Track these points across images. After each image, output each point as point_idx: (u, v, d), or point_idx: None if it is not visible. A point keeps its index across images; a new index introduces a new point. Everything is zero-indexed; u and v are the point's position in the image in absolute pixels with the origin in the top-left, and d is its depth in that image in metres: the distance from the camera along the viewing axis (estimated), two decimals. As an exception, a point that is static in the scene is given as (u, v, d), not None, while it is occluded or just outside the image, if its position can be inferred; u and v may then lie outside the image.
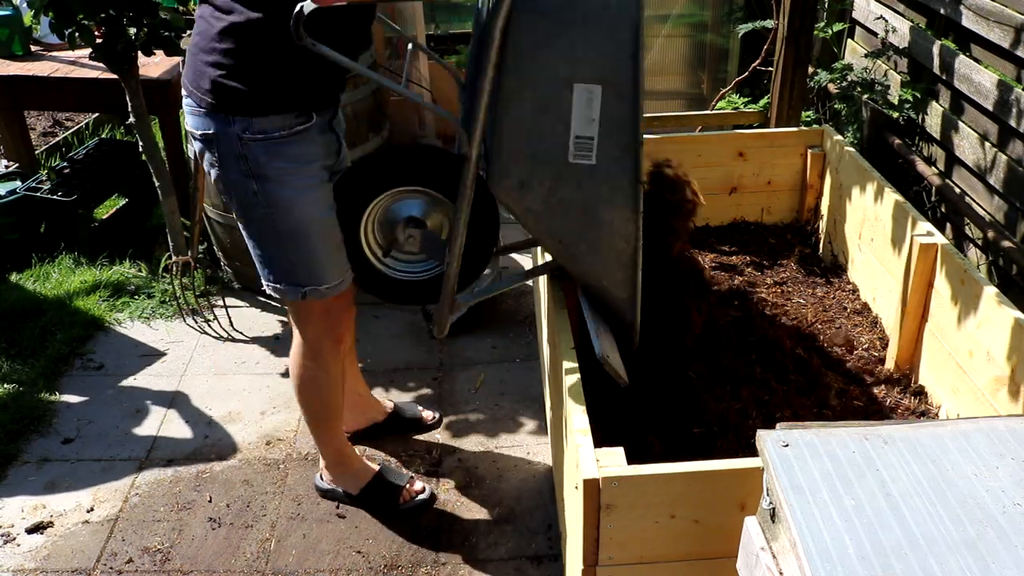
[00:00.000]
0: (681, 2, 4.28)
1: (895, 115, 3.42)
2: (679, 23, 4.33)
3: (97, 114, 4.71)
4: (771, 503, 1.18)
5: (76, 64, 3.74)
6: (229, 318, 3.18)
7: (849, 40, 3.96)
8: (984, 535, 1.06)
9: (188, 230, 3.24)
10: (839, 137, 2.80)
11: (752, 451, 1.30)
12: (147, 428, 2.71)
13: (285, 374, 2.93)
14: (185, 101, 1.85)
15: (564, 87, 1.68)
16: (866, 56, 3.62)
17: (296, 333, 2.10)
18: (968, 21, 3.05)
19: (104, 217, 3.77)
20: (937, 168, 3.30)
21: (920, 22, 3.44)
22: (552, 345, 2.06)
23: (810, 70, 3.58)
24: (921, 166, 3.26)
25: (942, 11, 3.22)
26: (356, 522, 2.34)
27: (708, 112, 3.83)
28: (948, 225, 3.24)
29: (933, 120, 3.29)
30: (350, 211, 1.94)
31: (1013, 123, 2.80)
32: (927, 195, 3.32)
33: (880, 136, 3.51)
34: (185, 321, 3.19)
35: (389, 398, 2.70)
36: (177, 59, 3.45)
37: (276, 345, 3.08)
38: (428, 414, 2.66)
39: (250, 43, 1.72)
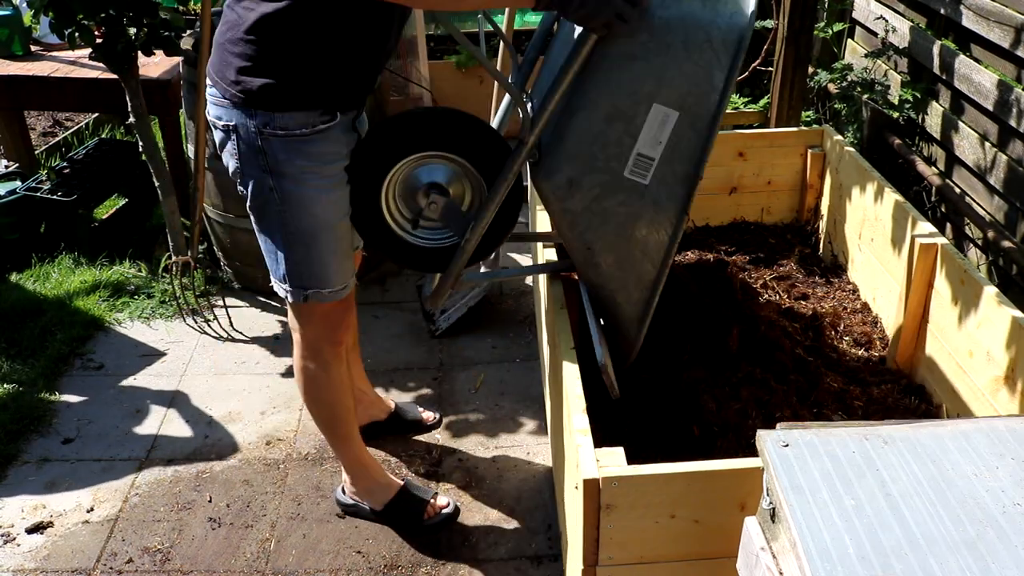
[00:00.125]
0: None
1: (895, 115, 3.42)
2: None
3: (97, 114, 4.71)
4: (771, 503, 1.18)
5: (76, 64, 3.74)
6: (229, 318, 3.18)
7: (849, 40, 3.96)
8: (984, 535, 1.06)
9: (188, 230, 3.24)
10: (839, 137, 2.80)
11: (752, 451, 1.30)
12: (147, 428, 2.71)
13: (285, 374, 2.93)
14: (209, 91, 1.82)
15: (643, 102, 1.68)
16: (866, 56, 3.62)
17: (295, 334, 2.09)
18: (968, 21, 3.05)
19: (104, 217, 3.77)
20: (937, 168, 3.30)
21: (920, 22, 3.44)
22: (552, 345, 2.06)
23: (810, 70, 3.58)
24: (921, 166, 3.26)
25: (942, 11, 3.22)
26: (356, 522, 2.34)
27: (708, 112, 3.83)
28: (948, 225, 3.24)
29: (933, 120, 3.29)
30: (375, 168, 1.87)
31: (1013, 123, 2.80)
32: (927, 195, 3.32)
33: (880, 136, 3.51)
34: (185, 321, 3.19)
35: (389, 398, 2.70)
36: (177, 59, 3.45)
37: (276, 345, 3.08)
38: (428, 415, 2.65)
39: (279, 37, 1.70)
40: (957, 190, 3.16)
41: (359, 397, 2.47)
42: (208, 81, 1.83)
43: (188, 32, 3.12)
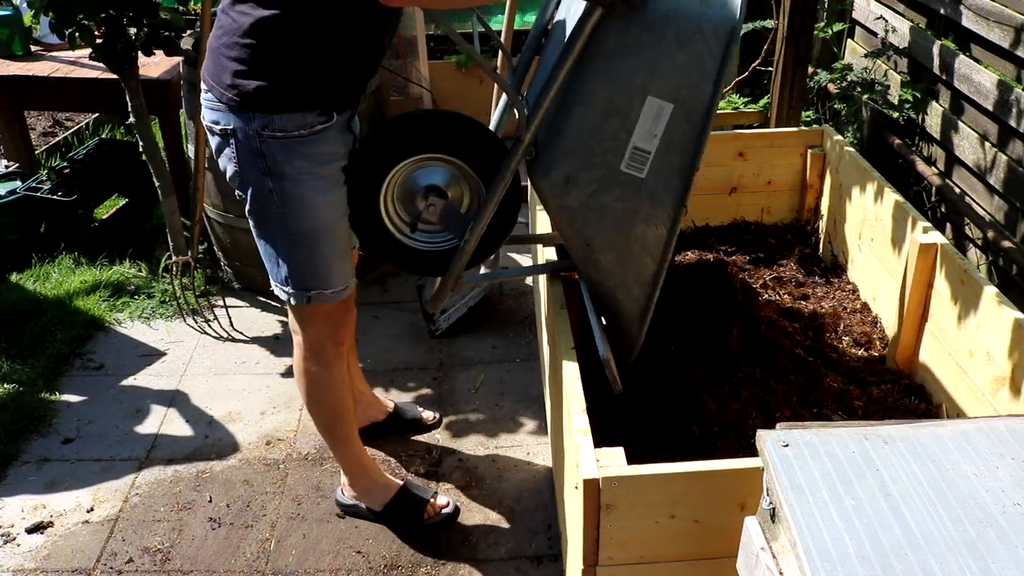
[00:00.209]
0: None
1: (895, 115, 3.42)
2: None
3: (97, 114, 4.71)
4: (771, 503, 1.18)
5: (76, 64, 3.74)
6: (229, 318, 3.18)
7: (849, 40, 3.96)
8: (984, 535, 1.06)
9: (188, 230, 3.24)
10: (839, 137, 2.80)
11: (752, 451, 1.30)
12: (147, 428, 2.71)
13: (285, 374, 2.93)
14: (204, 96, 1.83)
15: (638, 96, 1.68)
16: (866, 56, 3.62)
17: (296, 336, 2.09)
18: (968, 21, 3.05)
19: (104, 217, 3.77)
20: (937, 168, 3.30)
21: (920, 22, 3.44)
22: (552, 345, 2.06)
23: (810, 70, 3.58)
24: (921, 166, 3.26)
25: (942, 11, 3.22)
26: (356, 522, 2.34)
27: (708, 112, 3.82)
28: (948, 225, 3.24)
29: (933, 120, 3.29)
30: (374, 171, 1.87)
31: (1013, 123, 2.80)
32: (927, 195, 3.32)
33: (880, 136, 3.51)
34: (185, 321, 3.19)
35: (389, 398, 2.70)
36: (177, 59, 3.45)
37: (276, 345, 3.08)
38: (428, 414, 2.65)
39: (275, 40, 1.71)
40: (957, 190, 3.16)
41: (357, 398, 2.47)
42: (203, 86, 1.83)
43: (188, 32, 3.12)
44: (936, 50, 3.23)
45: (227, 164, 1.85)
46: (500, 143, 1.86)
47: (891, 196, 2.43)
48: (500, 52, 3.29)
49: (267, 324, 3.21)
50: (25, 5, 3.28)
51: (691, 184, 1.75)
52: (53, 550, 2.28)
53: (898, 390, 2.25)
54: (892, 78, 3.56)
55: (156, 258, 3.44)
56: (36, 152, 4.17)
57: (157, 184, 3.15)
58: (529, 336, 3.08)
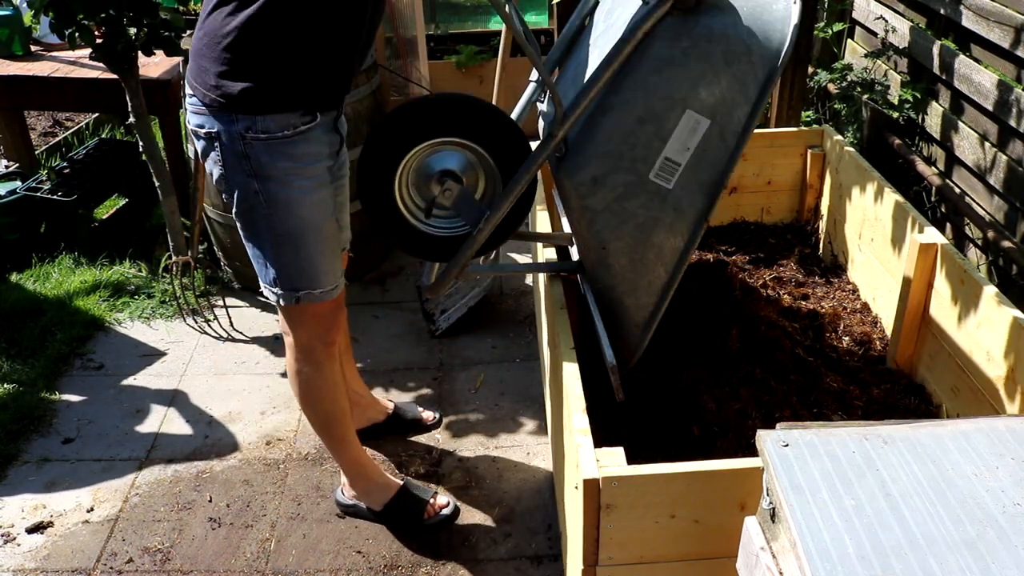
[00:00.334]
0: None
1: (895, 115, 3.42)
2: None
3: (97, 114, 4.71)
4: (771, 503, 1.18)
5: (76, 64, 3.74)
6: (229, 318, 3.18)
7: (849, 40, 3.96)
8: (984, 535, 1.06)
9: (188, 230, 3.24)
10: (839, 137, 2.80)
11: (752, 451, 1.30)
12: (147, 428, 2.71)
13: (285, 374, 2.92)
14: (188, 100, 1.84)
15: (677, 107, 1.69)
16: (866, 56, 3.62)
17: (287, 337, 2.09)
18: (968, 21, 3.05)
19: (104, 217, 3.77)
20: (937, 168, 3.30)
21: (920, 22, 3.44)
22: (552, 345, 2.06)
23: (810, 70, 3.58)
24: (921, 166, 3.26)
25: (942, 11, 3.22)
26: (356, 522, 2.34)
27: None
28: (948, 225, 3.24)
29: (933, 120, 3.29)
30: (391, 153, 1.86)
31: (1013, 123, 2.80)
32: (927, 195, 3.32)
33: (880, 136, 3.51)
34: (185, 321, 3.19)
35: (389, 398, 2.70)
36: (177, 59, 3.45)
37: (276, 345, 3.08)
38: (428, 414, 2.65)
39: (256, 41, 1.71)
40: (957, 190, 3.16)
41: (356, 400, 2.47)
42: (187, 90, 1.84)
43: (188, 32, 3.12)
44: (936, 50, 3.23)
45: (213, 167, 1.86)
46: (521, 132, 1.85)
47: (891, 196, 2.43)
48: (501, 53, 3.29)
49: (267, 324, 3.21)
50: (25, 5, 3.28)
51: (716, 201, 1.76)
52: (53, 550, 2.28)
53: (898, 390, 2.25)
54: (892, 78, 3.56)
55: (156, 258, 3.44)
56: (36, 152, 4.17)
57: (157, 184, 3.15)
58: (529, 336, 3.08)
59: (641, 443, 2.07)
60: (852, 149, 2.72)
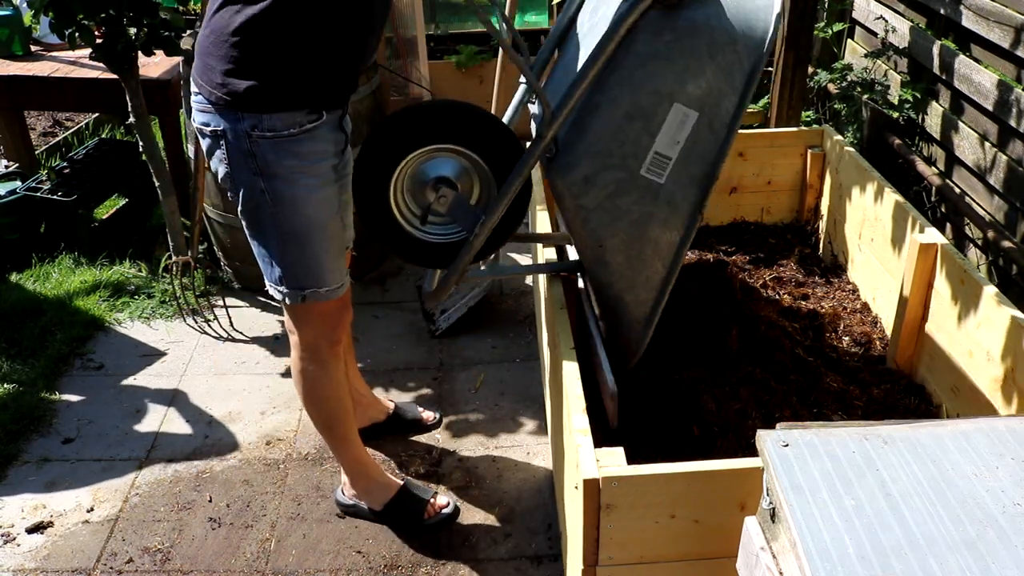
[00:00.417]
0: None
1: (895, 115, 3.42)
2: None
3: (97, 114, 4.71)
4: (771, 503, 1.18)
5: (76, 64, 3.74)
6: (229, 318, 3.18)
7: (849, 40, 3.96)
8: (984, 535, 1.06)
9: (188, 230, 3.24)
10: (839, 137, 2.80)
11: (752, 451, 1.30)
12: (147, 428, 2.71)
13: (285, 374, 2.93)
14: (194, 98, 1.83)
15: (664, 102, 1.69)
16: (866, 56, 3.62)
17: (292, 336, 2.09)
18: (968, 21, 3.05)
19: (104, 217, 3.77)
20: (937, 168, 3.30)
21: (920, 22, 3.44)
22: (552, 345, 2.06)
23: (810, 70, 3.58)
24: (921, 166, 3.26)
25: (942, 11, 3.22)
26: (356, 522, 2.34)
27: (708, 112, 3.82)
28: (948, 225, 3.24)
29: (933, 120, 3.29)
30: (385, 160, 1.86)
31: (1013, 123, 2.80)
32: (927, 195, 3.32)
33: (880, 136, 3.51)
34: (185, 321, 3.19)
35: (389, 398, 2.70)
36: (177, 59, 3.45)
37: (276, 345, 3.08)
38: (429, 415, 2.65)
39: (263, 38, 1.71)
40: (957, 190, 3.16)
41: (357, 399, 2.47)
42: (193, 88, 1.83)
43: (188, 32, 3.12)
44: (936, 50, 3.23)
45: (218, 166, 1.86)
46: (513, 137, 1.85)
47: (891, 196, 2.43)
48: (501, 54, 3.29)
49: (267, 324, 3.21)
50: (25, 5, 3.28)
51: (709, 193, 1.75)
52: (53, 550, 2.28)
53: (898, 390, 2.25)
54: (892, 78, 3.56)
55: (156, 258, 3.44)
56: (36, 152, 4.17)
57: (157, 184, 3.15)
58: (529, 336, 3.08)
59: (641, 443, 2.07)
60: (852, 149, 2.72)
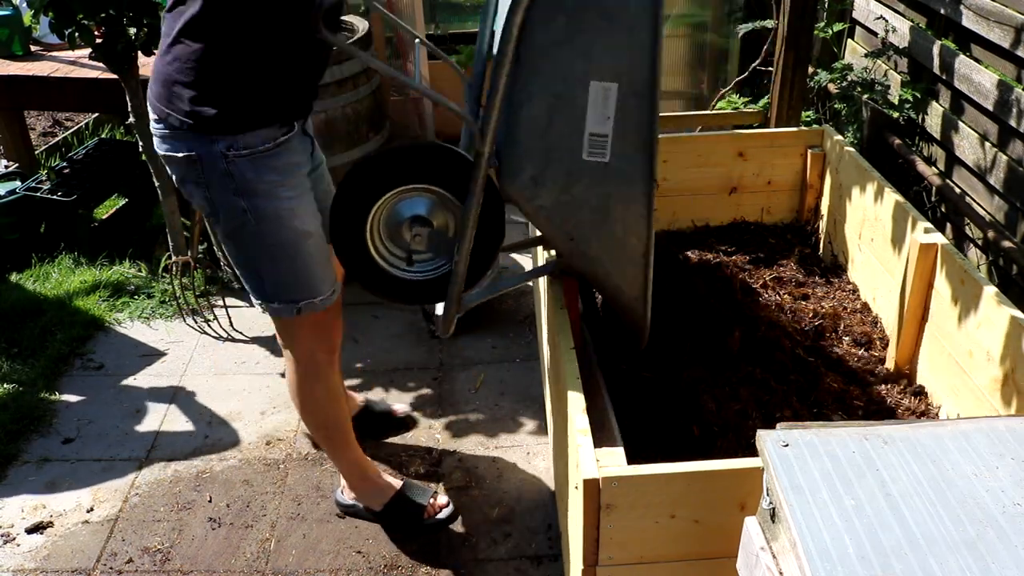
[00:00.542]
0: (681, 2, 4.28)
1: (895, 115, 3.42)
2: (679, 23, 4.33)
3: (97, 114, 4.71)
4: (771, 503, 1.18)
5: (76, 64, 3.74)
6: (229, 318, 3.18)
7: (849, 40, 3.96)
8: (984, 535, 1.06)
9: (188, 230, 3.24)
10: (839, 137, 2.80)
11: (752, 451, 1.30)
12: (147, 428, 2.71)
13: (285, 374, 2.93)
14: (155, 126, 1.80)
15: (580, 85, 1.68)
16: (866, 56, 3.62)
17: (287, 352, 2.08)
18: (968, 21, 3.05)
19: (104, 217, 3.77)
20: (937, 168, 3.30)
21: (920, 22, 3.44)
22: (552, 345, 2.06)
23: (810, 70, 3.58)
24: (921, 166, 3.26)
25: (942, 11, 3.22)
26: (356, 522, 2.34)
27: (708, 112, 3.83)
28: (948, 225, 3.24)
29: (933, 120, 3.29)
30: (356, 210, 1.87)
31: (1013, 123, 2.80)
32: (927, 195, 3.32)
33: (880, 136, 3.51)
34: (185, 321, 3.19)
35: (389, 398, 2.71)
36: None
37: (276, 345, 3.06)
38: (399, 407, 2.65)
39: (229, 62, 1.71)
40: (957, 190, 3.16)
41: None
42: (152, 116, 1.81)
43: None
44: (936, 50, 3.23)
45: (194, 191, 1.84)
46: (469, 162, 1.86)
47: (891, 196, 2.43)
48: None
49: (267, 324, 3.19)
50: (25, 5, 3.28)
51: (655, 157, 1.74)
52: (53, 550, 2.28)
53: (898, 390, 2.25)
54: (892, 78, 3.56)
55: (156, 258, 3.44)
56: (36, 152, 4.17)
57: (157, 184, 3.15)
58: (529, 336, 3.08)
59: (641, 443, 2.07)
60: (852, 149, 2.71)
